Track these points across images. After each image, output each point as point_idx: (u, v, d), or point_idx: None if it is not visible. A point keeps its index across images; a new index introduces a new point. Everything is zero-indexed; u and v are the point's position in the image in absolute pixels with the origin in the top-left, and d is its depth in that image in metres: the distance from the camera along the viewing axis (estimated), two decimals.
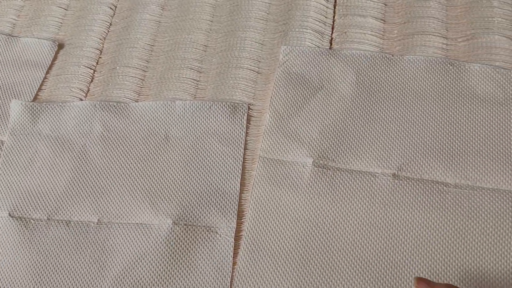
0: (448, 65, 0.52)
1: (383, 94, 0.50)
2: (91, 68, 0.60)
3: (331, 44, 0.57)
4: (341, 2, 0.59)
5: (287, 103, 0.51)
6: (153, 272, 0.46)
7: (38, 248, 0.48)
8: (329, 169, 0.47)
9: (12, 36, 0.63)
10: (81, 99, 0.58)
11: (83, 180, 0.52)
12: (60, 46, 0.62)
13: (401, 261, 0.42)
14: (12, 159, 0.54)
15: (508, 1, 0.56)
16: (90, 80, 0.59)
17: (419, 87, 0.51)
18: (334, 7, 0.59)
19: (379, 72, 0.52)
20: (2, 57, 0.61)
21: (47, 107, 0.57)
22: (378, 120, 0.49)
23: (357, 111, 0.50)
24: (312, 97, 0.51)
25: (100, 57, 0.61)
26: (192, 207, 0.49)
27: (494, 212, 0.43)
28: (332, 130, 0.49)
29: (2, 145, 0.55)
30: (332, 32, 0.58)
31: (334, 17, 0.59)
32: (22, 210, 0.51)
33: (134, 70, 0.59)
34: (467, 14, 0.56)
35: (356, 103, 0.50)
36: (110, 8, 0.64)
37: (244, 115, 0.53)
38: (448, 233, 0.43)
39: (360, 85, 0.51)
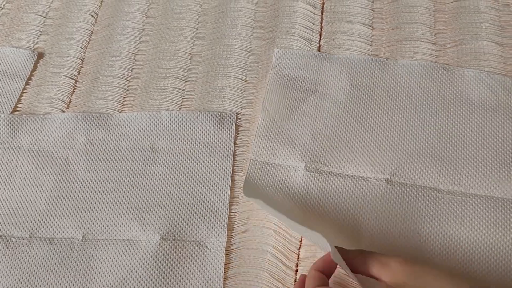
0: (442, 70, 0.51)
1: (377, 99, 0.50)
2: (72, 78, 0.58)
3: (319, 51, 0.56)
4: (328, 8, 0.59)
5: (279, 106, 0.50)
6: None
7: (20, 268, 0.46)
8: (322, 173, 0.46)
9: None
10: (63, 111, 0.56)
11: (66, 195, 0.50)
12: (40, 55, 0.60)
13: None
14: None
15: (495, 6, 0.56)
16: (71, 90, 0.57)
17: (413, 92, 0.50)
18: (322, 13, 0.59)
19: (373, 76, 0.51)
20: None
21: (27, 119, 0.55)
22: (372, 124, 0.48)
23: (351, 115, 0.49)
24: (305, 100, 0.50)
25: (82, 67, 0.59)
26: (181, 222, 0.47)
27: (487, 219, 0.43)
28: (325, 134, 0.48)
29: None
30: (320, 39, 0.57)
31: (321, 23, 0.58)
32: (2, 228, 0.48)
33: (118, 79, 0.57)
34: (455, 20, 0.56)
35: (349, 107, 0.50)
36: (92, 15, 0.62)
37: (232, 125, 0.52)
38: (440, 240, 0.42)
39: (354, 89, 0.51)
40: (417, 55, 0.54)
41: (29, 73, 0.59)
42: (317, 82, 0.52)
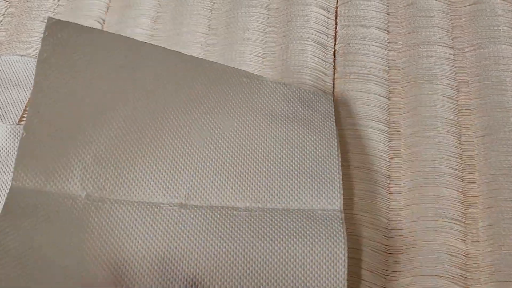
0: (243, 78, 0.47)
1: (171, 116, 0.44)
2: None
3: (334, 56, 0.55)
4: (342, 12, 0.57)
5: (55, 123, 0.40)
6: None
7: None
8: (106, 202, 0.39)
9: None
10: None
11: None
12: None
13: None
14: None
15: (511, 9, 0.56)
16: None
17: (211, 101, 0.46)
18: (336, 18, 0.57)
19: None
20: None
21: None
22: (163, 144, 0.43)
23: (140, 135, 0.42)
24: (88, 120, 0.41)
25: None
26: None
27: (284, 231, 0.41)
28: (110, 157, 0.41)
29: None
30: (335, 44, 0.56)
31: (336, 28, 0.57)
32: None
33: None
34: (472, 23, 0.55)
35: (137, 125, 0.42)
36: (98, 22, 0.61)
37: None
38: (239, 256, 0.39)
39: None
40: (435, 59, 0.53)
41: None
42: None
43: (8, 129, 0.53)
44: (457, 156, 0.49)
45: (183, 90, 0.45)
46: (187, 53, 0.51)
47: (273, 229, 0.41)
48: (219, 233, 0.40)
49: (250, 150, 0.45)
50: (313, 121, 0.47)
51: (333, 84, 0.53)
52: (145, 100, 0.43)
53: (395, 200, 0.47)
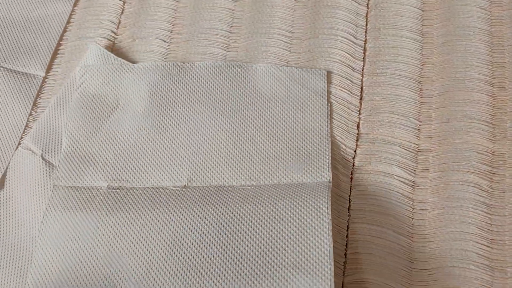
0: (236, 67, 0.52)
1: (174, 106, 0.50)
2: (121, 0, 0.58)
3: (364, 51, 0.53)
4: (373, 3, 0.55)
5: (83, 127, 0.49)
6: None
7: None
8: (123, 190, 0.46)
9: None
10: (113, 31, 0.56)
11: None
12: None
13: (205, 264, 0.41)
14: None
15: None
16: (120, 12, 0.58)
17: (208, 94, 0.50)
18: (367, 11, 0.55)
19: (172, 82, 0.51)
20: None
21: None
22: (169, 133, 0.49)
23: (149, 126, 0.49)
24: (108, 117, 0.50)
25: None
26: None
27: (274, 196, 0.44)
28: (126, 150, 0.48)
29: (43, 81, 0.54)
30: (365, 37, 0.54)
31: (366, 20, 0.55)
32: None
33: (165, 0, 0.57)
34: None
35: (148, 118, 0.49)
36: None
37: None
38: (232, 218, 0.42)
39: (153, 99, 0.50)
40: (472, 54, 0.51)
41: None
42: (119, 96, 0.51)
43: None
44: (488, 63, 0.50)
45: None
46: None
47: (264, 195, 0.44)
48: (216, 202, 0.44)
49: (244, 132, 0.49)
50: (305, 99, 0.50)
51: None
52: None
53: (427, 103, 0.49)
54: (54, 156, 0.48)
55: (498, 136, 0.47)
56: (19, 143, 0.50)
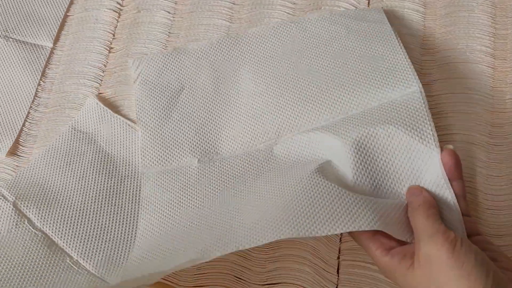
0: (290, 23, 0.52)
1: (241, 74, 0.50)
2: None
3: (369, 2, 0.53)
4: None
5: (154, 114, 0.50)
6: None
7: None
8: (215, 162, 0.47)
9: None
10: (118, 2, 0.57)
11: None
12: None
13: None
14: None
15: None
16: None
17: (272, 53, 0.51)
18: None
19: (227, 55, 0.52)
20: None
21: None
22: (244, 97, 0.49)
23: (222, 97, 0.50)
24: (177, 100, 0.50)
25: None
26: None
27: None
28: (206, 125, 0.49)
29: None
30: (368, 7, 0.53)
31: None
32: None
33: None
34: None
35: (217, 92, 0.50)
36: None
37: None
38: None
39: (217, 73, 0.51)
40: (474, 25, 0.51)
41: None
42: (182, 80, 0.51)
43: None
44: (490, 35, 0.50)
45: None
46: None
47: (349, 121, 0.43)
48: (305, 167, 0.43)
49: (319, 73, 0.48)
50: (369, 30, 0.49)
51: None
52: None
53: (428, 75, 0.50)
54: (27, 206, 0.46)
55: (498, 107, 0.47)
56: None
